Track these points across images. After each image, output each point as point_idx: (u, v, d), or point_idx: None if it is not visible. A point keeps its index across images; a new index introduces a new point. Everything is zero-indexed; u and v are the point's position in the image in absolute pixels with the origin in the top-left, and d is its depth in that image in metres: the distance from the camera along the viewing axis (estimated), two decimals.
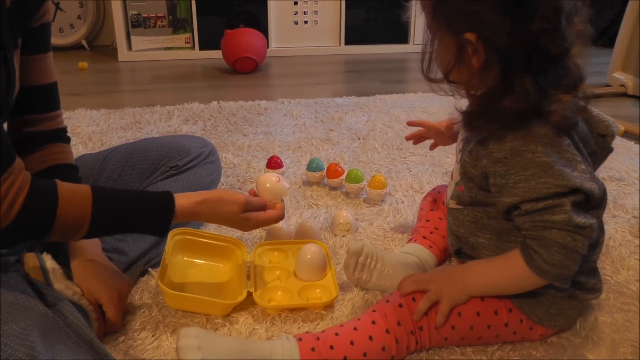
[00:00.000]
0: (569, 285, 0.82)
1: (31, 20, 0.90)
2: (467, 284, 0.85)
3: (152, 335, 0.91)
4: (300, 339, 0.81)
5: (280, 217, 0.99)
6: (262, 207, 0.96)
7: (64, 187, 0.79)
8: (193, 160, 1.20)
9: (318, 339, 0.81)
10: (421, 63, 0.82)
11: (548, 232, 0.76)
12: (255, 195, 1.00)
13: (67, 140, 1.04)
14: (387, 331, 0.82)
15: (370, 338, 0.82)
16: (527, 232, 0.79)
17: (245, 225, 0.95)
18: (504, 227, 0.86)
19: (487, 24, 0.74)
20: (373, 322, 0.83)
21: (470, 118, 0.83)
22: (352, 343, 0.81)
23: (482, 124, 0.81)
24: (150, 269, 1.06)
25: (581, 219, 0.76)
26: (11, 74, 0.81)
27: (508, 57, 0.75)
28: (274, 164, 1.48)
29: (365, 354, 0.81)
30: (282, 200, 1.00)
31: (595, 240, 0.84)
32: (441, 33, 0.79)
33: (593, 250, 0.86)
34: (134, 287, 1.02)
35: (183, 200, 0.87)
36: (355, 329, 0.83)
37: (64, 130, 1.03)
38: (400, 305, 0.85)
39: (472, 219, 0.89)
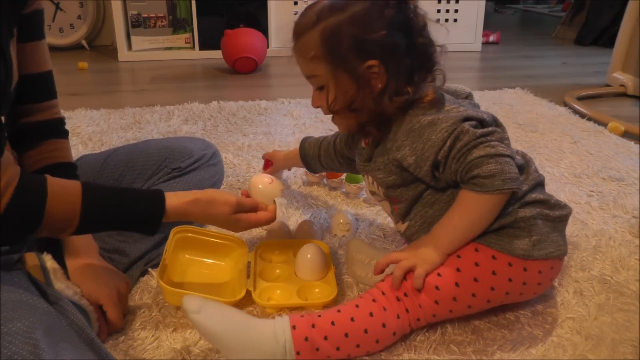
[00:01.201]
0: (521, 187, 0.87)
1: (24, 7, 0.89)
2: (437, 245, 0.88)
3: (152, 335, 0.91)
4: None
5: (272, 219, 0.98)
6: (254, 209, 0.96)
7: (54, 183, 0.78)
8: (195, 163, 1.20)
9: (305, 315, 0.85)
10: (327, 110, 0.92)
11: (469, 155, 0.83)
12: (247, 196, 0.99)
13: (65, 134, 1.03)
14: (374, 300, 0.86)
15: (357, 306, 0.85)
16: (458, 172, 0.84)
17: (236, 226, 0.95)
18: (446, 203, 0.90)
19: (388, 47, 0.85)
20: (360, 298, 0.88)
21: (362, 127, 0.93)
22: (339, 311, 0.85)
23: (372, 129, 0.92)
24: (150, 269, 1.06)
25: (484, 129, 0.85)
26: (8, 63, 0.80)
27: (403, 71, 0.87)
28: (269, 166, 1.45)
29: (352, 319, 0.83)
30: (275, 202, 1.00)
31: (520, 162, 0.92)
32: (337, 75, 0.88)
33: (526, 166, 0.94)
34: (134, 287, 1.02)
35: (174, 199, 0.87)
36: (342, 304, 0.88)
37: (61, 121, 1.02)
38: (382, 280, 0.89)
39: (421, 221, 0.94)
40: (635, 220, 1.28)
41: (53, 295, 0.78)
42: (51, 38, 3.11)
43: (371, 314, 0.84)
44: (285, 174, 1.51)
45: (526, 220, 0.87)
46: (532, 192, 0.90)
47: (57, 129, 1.01)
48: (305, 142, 1.26)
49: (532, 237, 0.87)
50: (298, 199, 1.39)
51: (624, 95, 2.33)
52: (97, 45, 3.28)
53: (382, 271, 0.91)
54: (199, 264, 1.07)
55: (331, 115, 0.95)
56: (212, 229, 1.19)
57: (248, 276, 1.02)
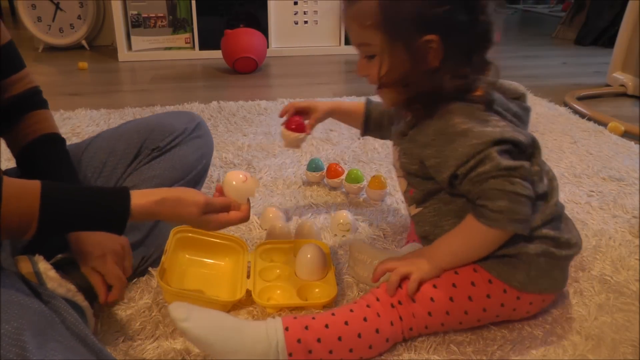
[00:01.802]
0: (528, 230, 0.85)
1: None
2: (433, 257, 0.89)
3: (152, 335, 0.91)
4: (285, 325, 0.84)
5: (244, 219, 0.92)
6: (225, 208, 0.91)
7: (10, 184, 0.74)
8: (176, 139, 1.15)
9: (298, 317, 0.85)
10: (377, 81, 0.87)
11: (486, 183, 0.81)
12: (221, 193, 0.94)
13: (44, 103, 1.01)
14: (368, 306, 0.86)
15: (351, 310, 0.85)
16: (470, 193, 0.84)
17: (207, 227, 0.90)
18: (461, 208, 0.89)
19: (449, 23, 0.81)
20: (354, 303, 0.88)
21: (410, 102, 0.89)
22: (333, 314, 0.85)
23: (419, 106, 0.88)
24: (150, 269, 1.06)
25: (510, 162, 0.81)
26: None
27: (461, 49, 0.83)
28: (294, 124, 1.15)
29: (346, 322, 0.83)
30: (249, 201, 0.94)
31: (545, 190, 0.89)
32: (393, 47, 0.83)
33: (548, 197, 0.90)
34: (133, 286, 1.02)
35: (140, 198, 0.82)
36: (335, 308, 0.88)
37: (36, 90, 1.00)
38: (378, 287, 0.89)
39: (433, 213, 0.93)
40: (635, 220, 1.28)
41: (46, 294, 0.77)
42: (51, 38, 3.11)
43: (365, 319, 0.84)
44: (285, 173, 1.51)
45: (529, 256, 0.87)
46: (544, 227, 0.87)
47: (34, 99, 0.99)
48: (371, 104, 1.16)
49: (530, 273, 0.87)
50: (298, 199, 1.39)
51: (624, 95, 2.33)
52: (97, 45, 3.28)
53: (379, 279, 0.91)
54: (199, 264, 1.07)
55: (376, 86, 0.90)
56: None
57: (248, 276, 1.02)
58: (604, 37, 3.35)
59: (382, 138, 1.21)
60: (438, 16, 0.80)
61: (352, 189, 1.39)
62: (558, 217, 0.91)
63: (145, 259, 1.06)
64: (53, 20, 3.07)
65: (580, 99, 2.21)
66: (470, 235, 0.86)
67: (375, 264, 1.01)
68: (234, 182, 0.93)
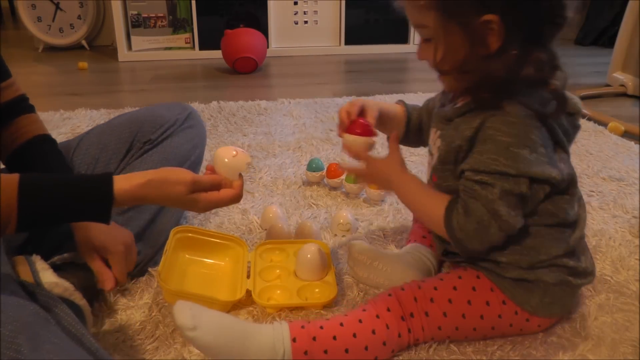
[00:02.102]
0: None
1: None
2: (393, 185, 0.91)
3: (152, 335, 0.91)
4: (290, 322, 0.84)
5: (237, 198, 0.88)
6: (215, 186, 0.86)
7: None
8: (167, 130, 1.14)
9: (305, 326, 0.84)
10: (438, 68, 0.82)
11: (473, 201, 0.79)
12: (213, 172, 0.90)
13: (32, 108, 1.01)
14: (377, 316, 0.84)
15: (360, 321, 0.84)
16: (459, 192, 0.82)
17: (196, 207, 0.85)
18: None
19: (511, 1, 0.74)
20: (364, 310, 0.86)
21: (475, 91, 0.82)
22: (341, 324, 0.84)
23: (486, 95, 0.80)
24: (150, 269, 1.06)
25: (504, 209, 0.78)
26: None
27: (526, 30, 0.76)
28: (360, 128, 0.96)
29: (354, 335, 0.82)
30: (241, 176, 0.90)
31: (574, 218, 0.87)
32: (448, 29, 0.77)
33: (576, 227, 0.88)
34: (133, 286, 1.02)
35: (124, 183, 0.79)
36: (345, 315, 0.86)
37: (24, 97, 1.00)
38: (390, 295, 0.87)
39: None
40: (635, 220, 1.28)
41: (42, 294, 0.77)
42: (51, 38, 3.11)
43: (373, 332, 0.83)
44: (285, 173, 1.51)
45: (547, 284, 0.86)
46: (565, 257, 0.86)
47: (22, 105, 0.99)
48: (410, 107, 1.07)
49: (544, 299, 0.87)
50: (298, 199, 1.39)
51: (624, 95, 2.33)
52: (97, 45, 3.28)
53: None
54: (199, 264, 1.07)
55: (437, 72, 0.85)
56: (212, 228, 1.19)
57: (248, 276, 1.02)
58: (604, 37, 3.35)
59: (412, 146, 1.12)
60: None
61: (352, 189, 1.39)
62: (573, 251, 0.88)
63: (142, 255, 1.05)
64: (53, 20, 3.07)
65: (581, 98, 2.20)
66: (429, 209, 0.85)
67: (375, 264, 1.02)
68: (226, 159, 0.89)
